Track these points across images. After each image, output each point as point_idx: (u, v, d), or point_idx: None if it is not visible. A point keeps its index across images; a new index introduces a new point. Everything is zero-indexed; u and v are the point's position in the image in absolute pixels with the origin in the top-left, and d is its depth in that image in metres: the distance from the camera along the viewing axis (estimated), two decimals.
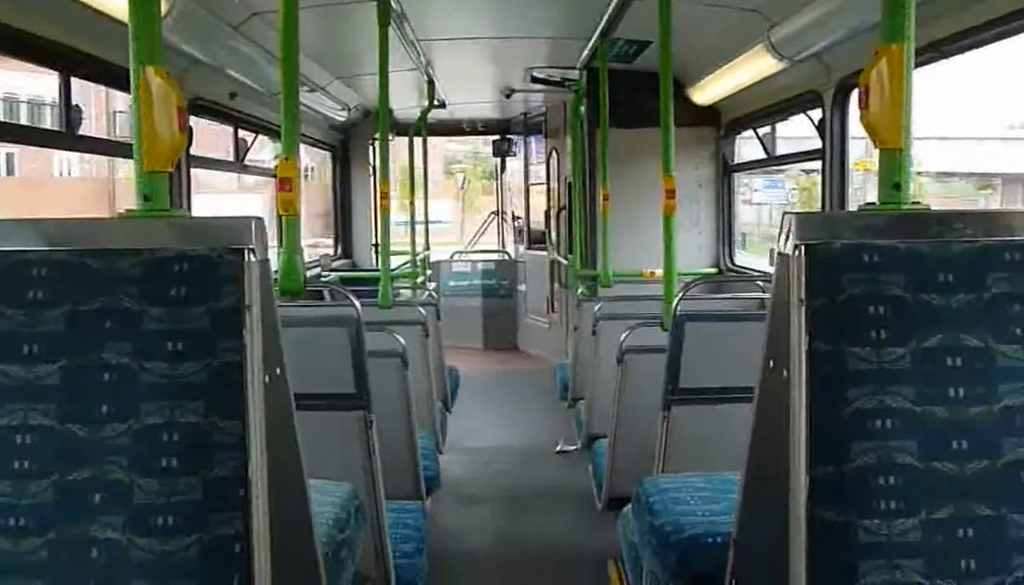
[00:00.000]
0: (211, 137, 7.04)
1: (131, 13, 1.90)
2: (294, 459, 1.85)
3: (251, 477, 1.60)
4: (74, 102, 3.90)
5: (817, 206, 6.16)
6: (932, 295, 1.71)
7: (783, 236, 1.77)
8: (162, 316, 1.64)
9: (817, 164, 5.45)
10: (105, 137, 12.02)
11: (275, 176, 3.17)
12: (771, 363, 1.83)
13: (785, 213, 1.78)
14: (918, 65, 2.07)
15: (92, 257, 1.67)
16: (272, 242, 2.22)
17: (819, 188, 5.44)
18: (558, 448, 6.73)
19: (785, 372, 1.73)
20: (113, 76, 3.94)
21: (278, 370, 1.75)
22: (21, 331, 1.64)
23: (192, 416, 1.61)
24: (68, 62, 3.80)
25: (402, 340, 4.10)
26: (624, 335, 4.32)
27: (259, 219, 1.70)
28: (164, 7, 3.53)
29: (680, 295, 3.88)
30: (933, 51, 3.73)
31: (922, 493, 1.67)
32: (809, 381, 1.68)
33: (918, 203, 1.91)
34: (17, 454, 1.61)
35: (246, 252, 1.66)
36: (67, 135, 3.96)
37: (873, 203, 1.94)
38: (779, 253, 1.78)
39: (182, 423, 1.61)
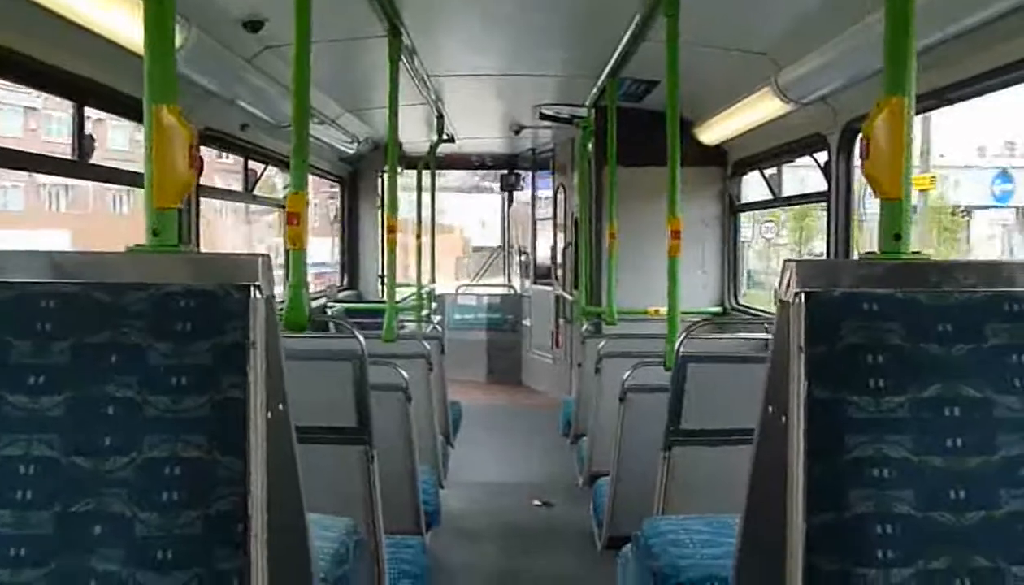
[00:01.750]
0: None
1: (147, 53, 1.94)
2: (294, 495, 1.86)
3: (251, 513, 1.61)
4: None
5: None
6: (931, 344, 1.72)
7: (784, 283, 1.78)
8: (167, 350, 1.65)
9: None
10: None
11: (284, 207, 3.19)
12: (770, 409, 1.83)
13: (786, 260, 1.79)
14: (920, 112, 2.09)
15: (100, 290, 1.68)
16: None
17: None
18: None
19: (784, 418, 1.73)
20: (126, 107, 3.99)
21: (280, 406, 1.76)
22: (27, 362, 1.66)
23: (194, 451, 1.62)
24: (82, 92, 3.86)
25: (405, 374, 4.10)
26: (627, 373, 4.32)
27: (266, 256, 1.72)
28: (178, 40, 3.58)
29: (683, 336, 3.88)
30: (935, 98, 3.76)
31: (920, 543, 1.66)
32: (808, 428, 1.68)
33: (918, 253, 1.92)
34: (19, 484, 1.61)
35: (252, 289, 1.67)
36: (79, 164, 4.00)
37: (874, 252, 1.95)
38: (779, 300, 1.79)
39: (184, 457, 1.61)
